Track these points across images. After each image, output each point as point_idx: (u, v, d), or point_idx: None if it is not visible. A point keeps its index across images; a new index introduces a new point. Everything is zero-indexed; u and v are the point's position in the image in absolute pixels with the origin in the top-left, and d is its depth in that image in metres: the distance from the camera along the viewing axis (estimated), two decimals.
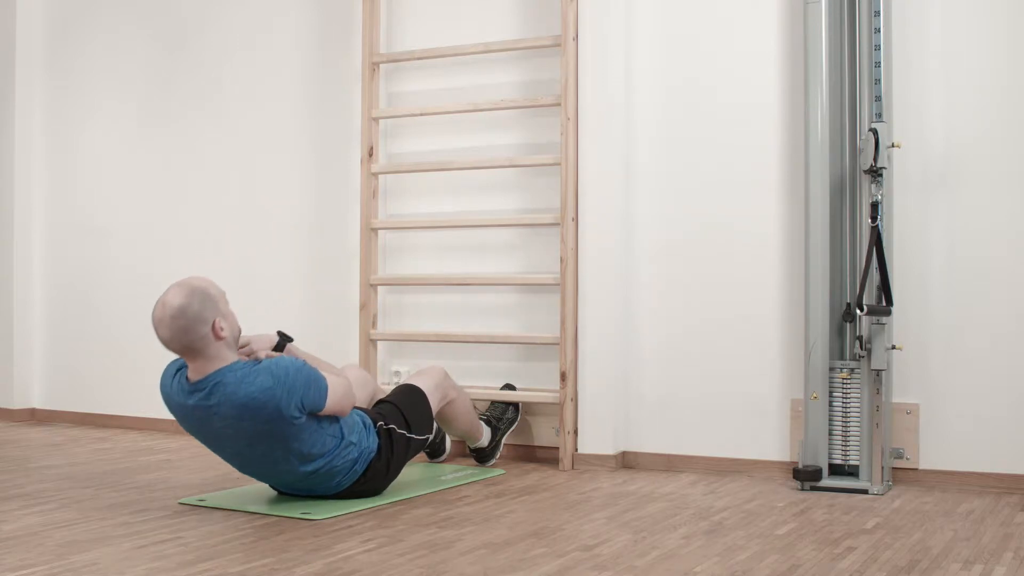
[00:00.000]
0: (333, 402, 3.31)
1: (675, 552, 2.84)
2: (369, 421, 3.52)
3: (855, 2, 3.84)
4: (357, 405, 3.64)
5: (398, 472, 3.60)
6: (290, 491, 3.49)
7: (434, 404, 3.80)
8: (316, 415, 3.29)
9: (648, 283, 4.24)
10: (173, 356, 3.44)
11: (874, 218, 3.68)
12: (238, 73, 5.13)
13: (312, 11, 4.94)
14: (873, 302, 3.70)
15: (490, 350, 4.50)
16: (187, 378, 3.27)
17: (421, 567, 2.67)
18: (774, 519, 3.26)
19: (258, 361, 3.27)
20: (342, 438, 3.38)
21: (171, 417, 5.12)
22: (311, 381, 3.25)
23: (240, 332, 3.34)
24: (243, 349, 3.37)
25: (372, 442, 3.47)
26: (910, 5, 3.85)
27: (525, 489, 3.74)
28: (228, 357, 3.26)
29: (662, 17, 4.24)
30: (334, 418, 3.37)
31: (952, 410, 3.80)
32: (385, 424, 3.54)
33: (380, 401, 3.72)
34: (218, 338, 3.22)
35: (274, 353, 3.40)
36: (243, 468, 3.43)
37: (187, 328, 3.18)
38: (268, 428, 3.21)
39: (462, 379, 4.33)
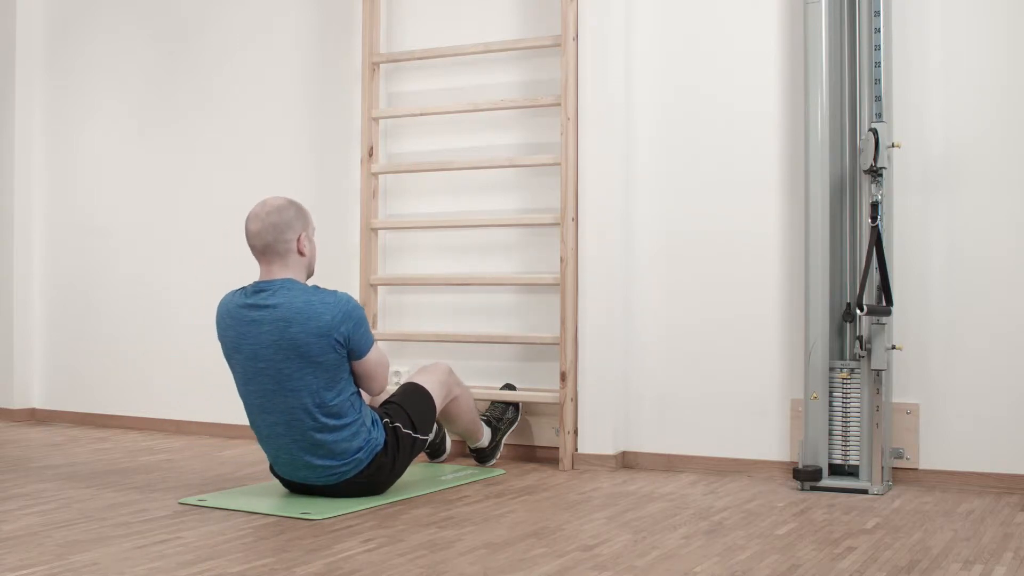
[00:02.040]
0: (373, 358, 3.47)
1: (675, 552, 2.84)
2: (376, 417, 3.54)
3: (855, 2, 3.84)
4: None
5: (403, 471, 3.61)
6: (291, 469, 3.48)
7: (438, 403, 3.82)
8: (351, 365, 3.42)
9: (648, 283, 4.24)
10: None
11: (874, 218, 3.68)
12: (238, 73, 5.13)
13: (312, 11, 4.94)
14: (873, 302, 3.70)
15: (490, 350, 4.50)
16: (254, 283, 3.43)
17: (421, 567, 2.67)
18: (774, 519, 3.26)
19: None
20: (359, 412, 3.44)
21: (171, 417, 5.17)
22: (364, 324, 3.44)
23: (314, 271, 3.54)
24: None
25: (379, 435, 3.50)
26: (910, 5, 3.85)
27: (525, 489, 3.74)
28: (299, 275, 3.46)
29: (662, 17, 4.24)
30: (357, 391, 3.48)
31: (952, 410, 3.80)
32: (391, 422, 3.56)
33: (385, 402, 3.72)
34: (299, 252, 3.43)
35: None
36: (261, 407, 3.42)
37: (278, 226, 3.39)
38: (309, 344, 3.32)
39: (462, 379, 4.32)
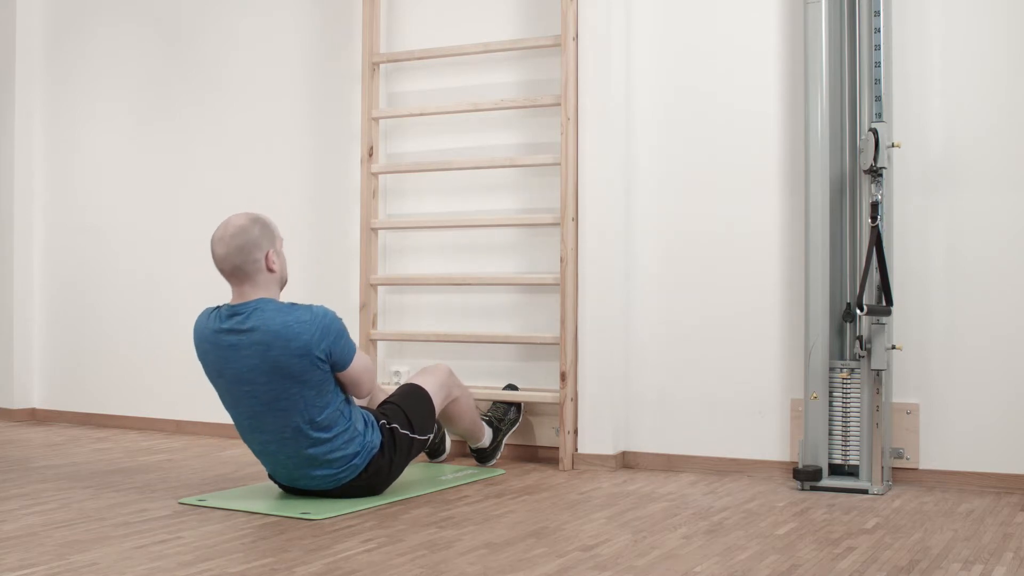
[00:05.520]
0: (357, 367, 3.41)
1: (675, 552, 2.84)
2: (371, 419, 3.53)
3: (855, 2, 3.84)
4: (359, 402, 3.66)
5: (400, 472, 3.61)
6: (289, 479, 3.49)
7: (438, 404, 3.81)
8: (336, 376, 3.38)
9: (648, 283, 4.24)
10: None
11: (874, 218, 3.68)
12: (238, 73, 5.13)
13: (312, 11, 4.94)
14: (873, 302, 3.70)
15: (490, 350, 4.50)
16: (228, 305, 3.37)
17: (421, 567, 2.67)
18: (774, 519, 3.26)
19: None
20: (350, 419, 3.42)
21: (171, 417, 5.17)
22: (344, 335, 3.38)
23: (287, 280, 3.47)
24: None
25: (375, 437, 3.49)
26: (910, 5, 3.85)
27: (525, 489, 3.74)
28: (272, 292, 3.39)
29: (662, 17, 4.24)
30: (346, 399, 3.44)
31: (952, 410, 3.80)
32: (388, 423, 3.55)
33: (384, 402, 3.71)
34: (269, 270, 3.37)
35: None
36: (251, 427, 3.42)
37: (243, 248, 3.33)
38: (292, 365, 3.27)
39: (462, 379, 4.32)
